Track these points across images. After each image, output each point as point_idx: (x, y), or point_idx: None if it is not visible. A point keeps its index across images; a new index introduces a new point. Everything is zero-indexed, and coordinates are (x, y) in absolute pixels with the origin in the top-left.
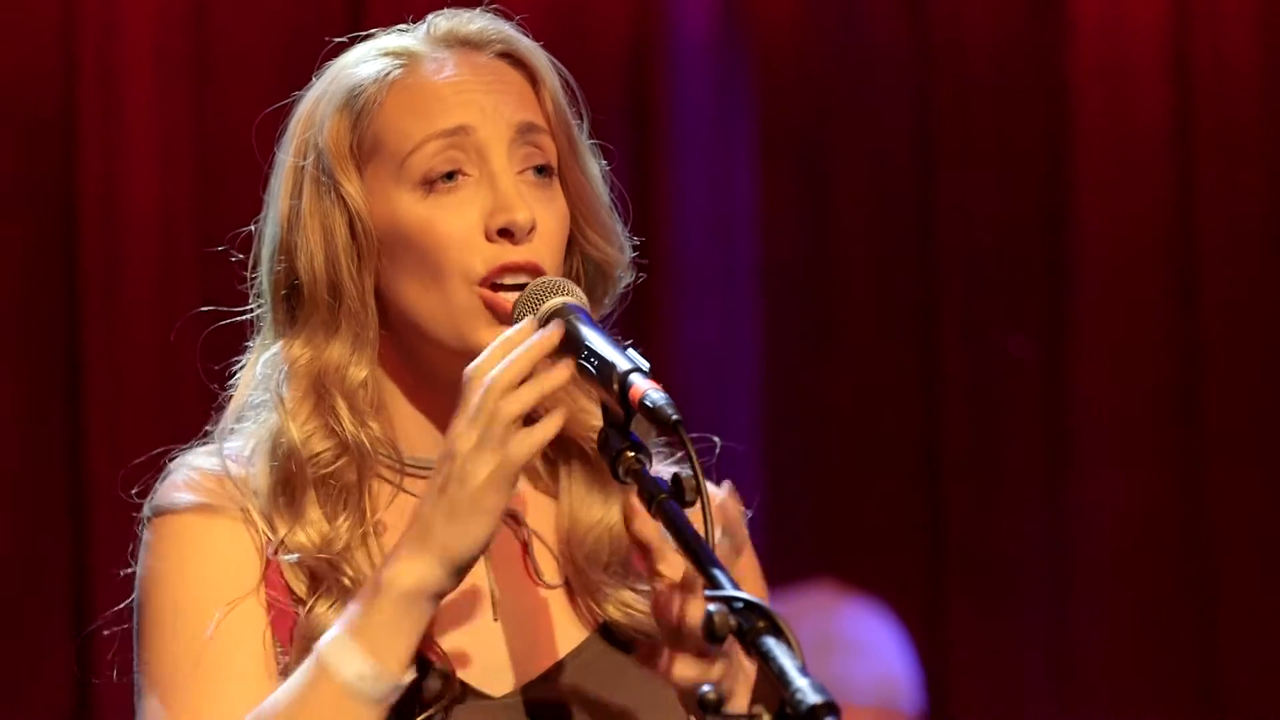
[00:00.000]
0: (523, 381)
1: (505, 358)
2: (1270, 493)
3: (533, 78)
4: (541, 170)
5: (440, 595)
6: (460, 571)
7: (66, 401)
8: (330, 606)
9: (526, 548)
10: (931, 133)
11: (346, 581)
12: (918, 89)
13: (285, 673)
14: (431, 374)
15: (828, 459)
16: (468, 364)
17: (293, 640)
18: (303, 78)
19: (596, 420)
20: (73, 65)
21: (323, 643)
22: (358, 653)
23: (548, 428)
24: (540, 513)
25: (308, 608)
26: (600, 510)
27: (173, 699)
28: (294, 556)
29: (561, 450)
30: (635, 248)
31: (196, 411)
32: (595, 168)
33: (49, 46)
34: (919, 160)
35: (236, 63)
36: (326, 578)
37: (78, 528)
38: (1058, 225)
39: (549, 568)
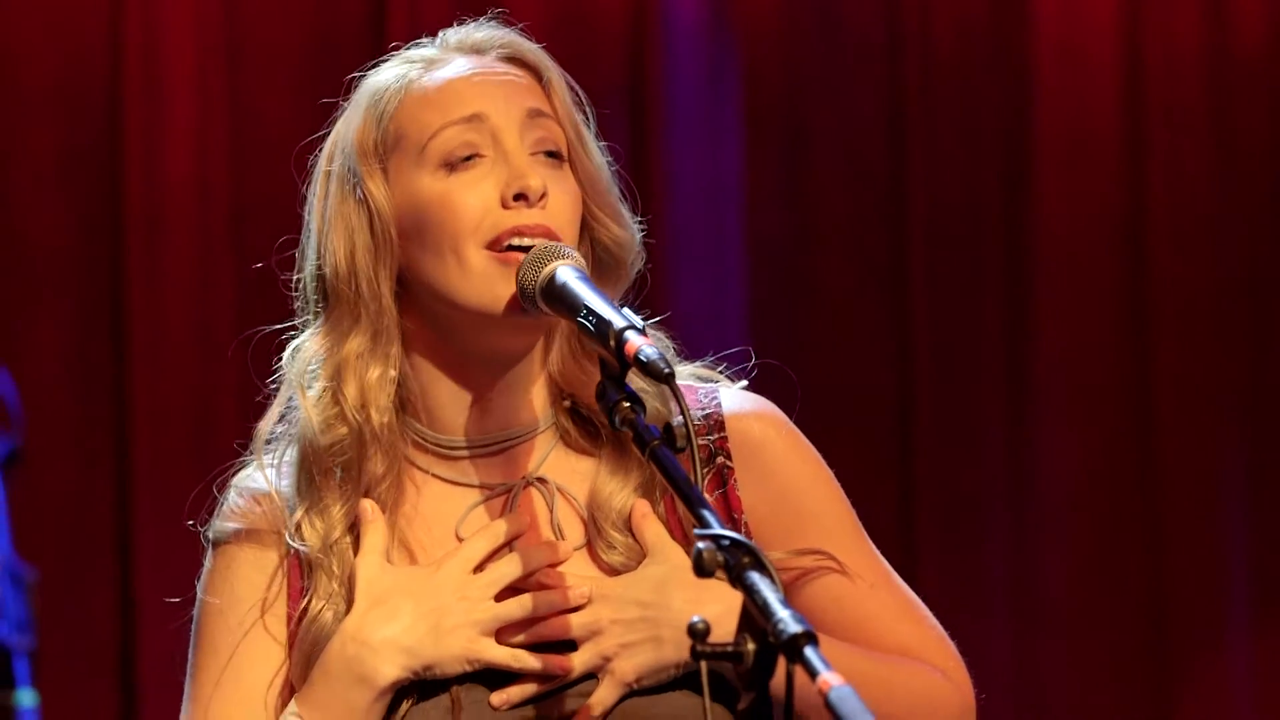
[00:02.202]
0: None
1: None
2: (1211, 438)
3: (538, 76)
4: (551, 154)
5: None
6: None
7: (112, 348)
8: (322, 606)
9: (552, 519)
10: (902, 113)
11: (335, 585)
12: (889, 73)
13: (289, 676)
14: (464, 347)
15: (808, 409)
16: (484, 332)
17: (296, 644)
18: (325, 64)
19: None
20: (118, 51)
21: None
22: None
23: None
24: (573, 477)
25: (300, 609)
26: (618, 486)
27: (199, 714)
28: (306, 545)
29: (602, 429)
30: (644, 236)
31: (227, 357)
32: (602, 159)
33: (97, 34)
34: (891, 138)
35: (265, 48)
36: (320, 572)
37: (121, 470)
38: (1019, 197)
39: (573, 529)
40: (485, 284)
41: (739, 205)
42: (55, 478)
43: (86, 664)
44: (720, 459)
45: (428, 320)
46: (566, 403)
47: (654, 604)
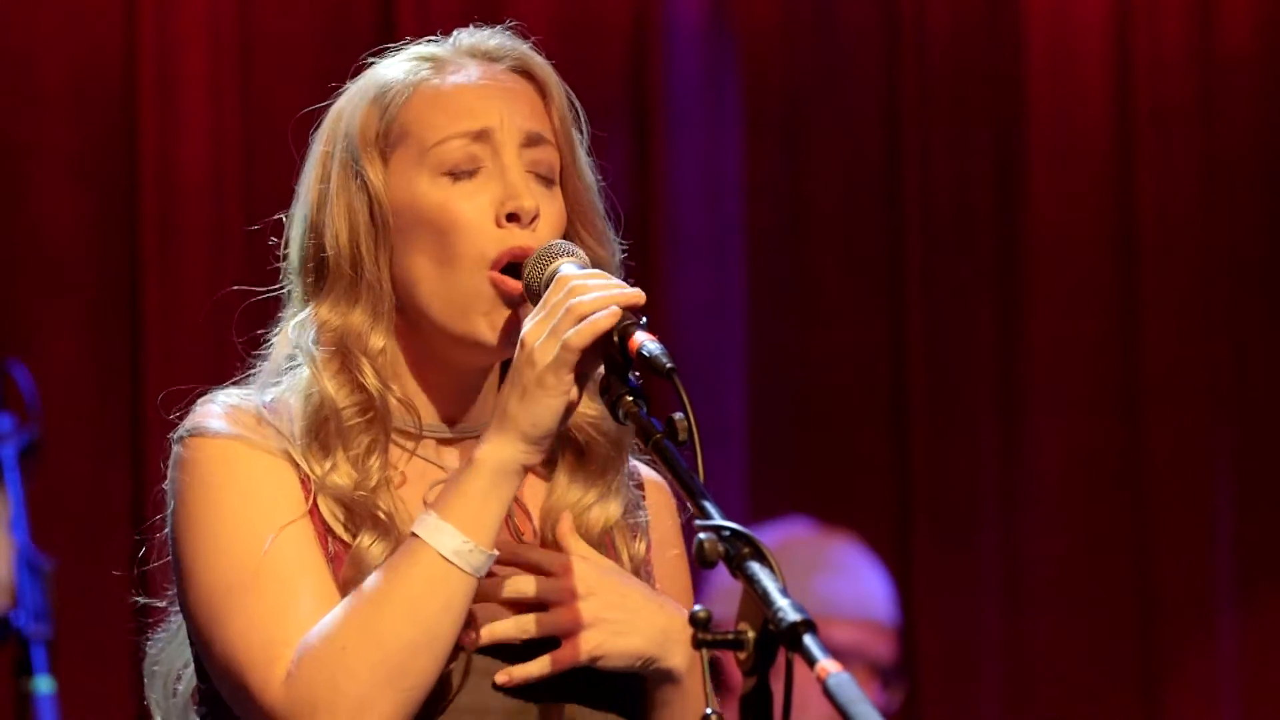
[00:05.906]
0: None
1: (593, 279)
2: (1198, 430)
3: (542, 92)
4: (544, 178)
5: (525, 468)
6: (539, 444)
7: (128, 342)
8: (374, 540)
9: (509, 517)
10: (897, 112)
11: (382, 515)
12: (885, 74)
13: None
14: (433, 353)
15: (805, 404)
16: (465, 351)
17: (341, 570)
18: (337, 60)
19: (593, 413)
20: (133, 49)
21: (416, 527)
22: (452, 530)
23: (599, 322)
24: (530, 489)
25: (357, 542)
26: (576, 496)
27: (231, 613)
28: (339, 485)
29: (561, 440)
30: (626, 251)
31: (240, 357)
32: (592, 179)
33: (112, 33)
34: (886, 137)
35: (279, 46)
36: (364, 514)
37: (136, 462)
38: (1011, 194)
39: (529, 536)
40: (471, 304)
41: (738, 201)
42: (71, 469)
43: (103, 653)
44: (640, 514)
45: (405, 314)
46: None
47: (630, 595)
